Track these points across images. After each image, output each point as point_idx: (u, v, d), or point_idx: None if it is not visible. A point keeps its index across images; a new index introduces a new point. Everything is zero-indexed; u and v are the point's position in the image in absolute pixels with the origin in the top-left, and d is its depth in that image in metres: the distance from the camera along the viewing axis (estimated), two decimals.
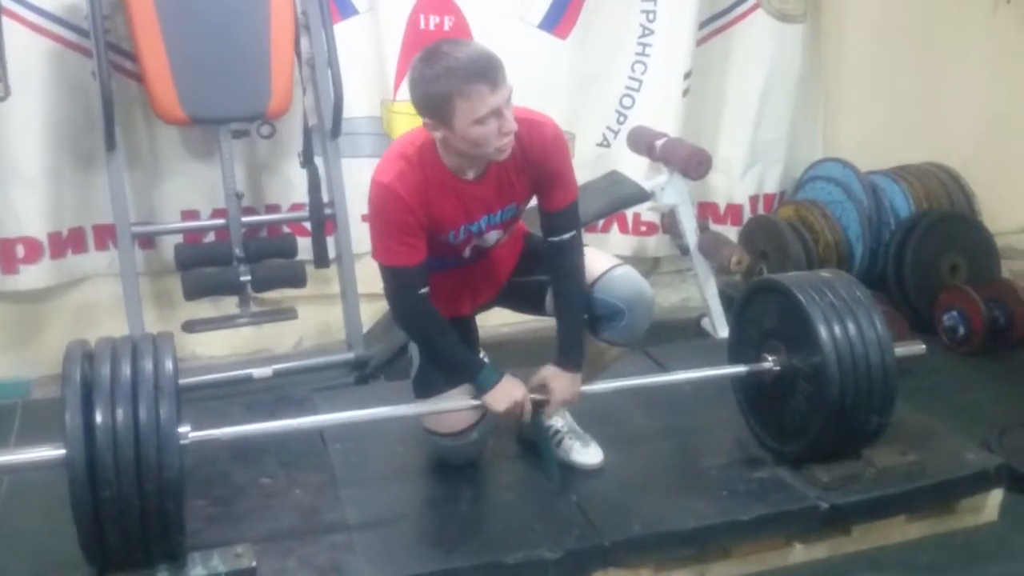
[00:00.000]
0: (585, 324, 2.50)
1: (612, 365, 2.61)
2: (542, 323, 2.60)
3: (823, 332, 2.44)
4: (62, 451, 1.95)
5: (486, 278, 2.58)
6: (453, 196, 2.29)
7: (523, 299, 2.61)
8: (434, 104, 2.12)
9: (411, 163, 2.24)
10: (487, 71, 2.08)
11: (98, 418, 1.95)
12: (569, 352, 2.45)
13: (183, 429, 2.07)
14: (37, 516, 2.40)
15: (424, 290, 2.32)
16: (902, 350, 2.57)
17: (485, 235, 2.41)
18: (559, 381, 2.42)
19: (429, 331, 2.40)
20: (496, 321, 3.26)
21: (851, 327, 2.47)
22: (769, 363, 2.60)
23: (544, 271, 2.51)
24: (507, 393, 2.40)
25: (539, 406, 2.44)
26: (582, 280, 2.47)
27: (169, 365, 2.07)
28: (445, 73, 2.08)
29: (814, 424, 2.49)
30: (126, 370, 2.02)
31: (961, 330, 3.80)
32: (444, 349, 2.41)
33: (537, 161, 2.32)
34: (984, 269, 4.12)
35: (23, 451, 2.06)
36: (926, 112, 4.45)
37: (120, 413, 1.96)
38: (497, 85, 2.09)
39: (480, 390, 2.41)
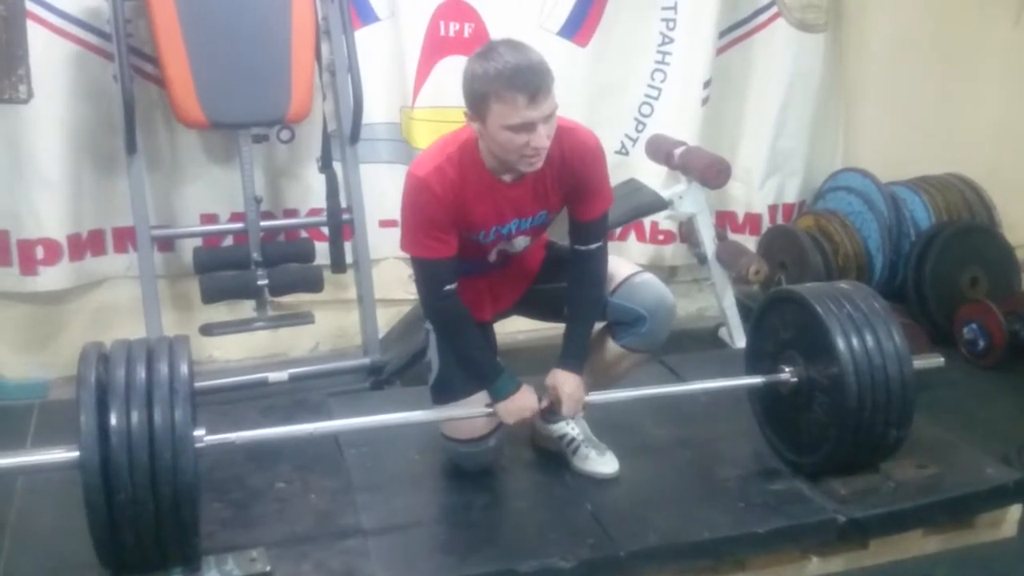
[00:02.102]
0: (591, 332, 2.51)
1: (630, 373, 2.61)
2: (558, 330, 2.59)
3: (841, 344, 2.43)
4: (76, 453, 1.95)
5: (508, 284, 2.59)
6: (488, 196, 2.30)
7: (543, 307, 2.62)
8: (474, 98, 2.16)
9: (451, 159, 2.25)
10: (529, 83, 2.09)
11: (113, 421, 1.95)
12: (576, 354, 2.47)
13: (198, 432, 2.07)
14: (51, 517, 2.41)
15: (451, 286, 2.33)
16: (920, 363, 2.55)
17: (514, 239, 2.43)
18: (570, 384, 2.43)
19: (453, 327, 2.41)
20: (512, 328, 3.25)
21: (869, 339, 2.45)
22: (786, 374, 2.59)
23: (565, 279, 2.52)
24: (519, 407, 2.41)
25: (551, 411, 2.45)
26: (601, 290, 2.48)
27: (184, 368, 2.07)
28: (491, 73, 2.10)
29: (831, 436, 2.47)
30: (141, 373, 2.02)
31: (981, 343, 3.77)
32: (466, 348, 2.42)
33: (575, 170, 2.33)
34: (1005, 282, 4.09)
35: (38, 452, 2.07)
36: (947, 123, 4.43)
37: (135, 416, 1.96)
38: (536, 99, 2.10)
39: (494, 397, 2.41)
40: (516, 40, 2.20)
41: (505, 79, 2.09)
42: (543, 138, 2.15)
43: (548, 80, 2.13)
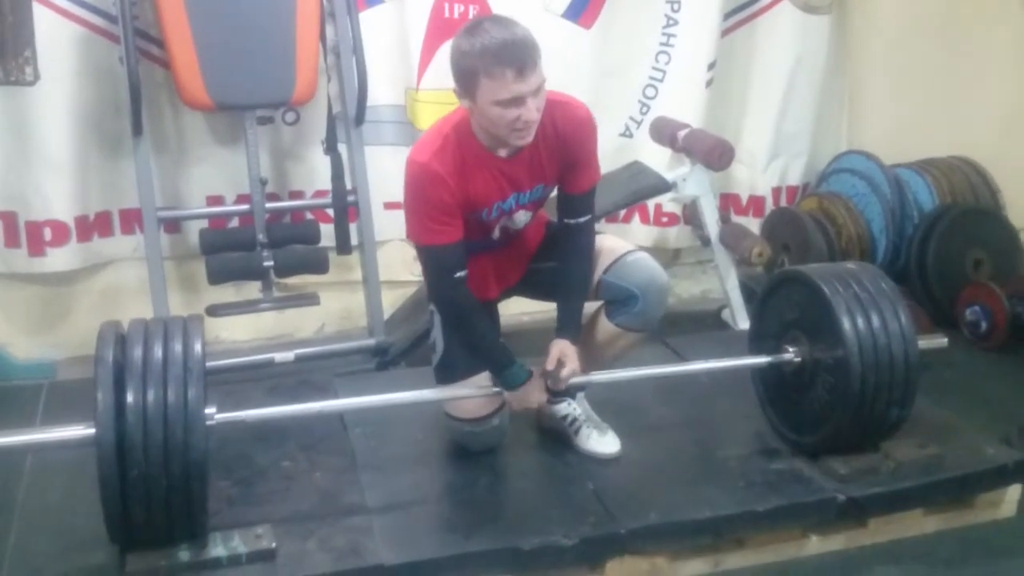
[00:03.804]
0: (583, 304, 2.52)
1: (628, 351, 2.62)
2: None
3: (846, 323, 2.44)
4: (92, 430, 1.98)
5: (512, 261, 2.60)
6: (487, 173, 2.31)
7: (543, 286, 2.63)
8: (463, 75, 2.17)
9: (448, 141, 2.27)
10: (516, 57, 2.10)
11: (129, 398, 1.98)
12: (572, 326, 2.48)
13: (209, 410, 2.09)
14: (60, 494, 2.44)
15: (461, 273, 2.34)
16: (924, 343, 2.56)
17: (515, 215, 2.44)
18: (571, 351, 2.44)
19: (464, 315, 2.42)
20: (516, 310, 3.27)
21: (875, 319, 2.46)
22: (790, 354, 2.60)
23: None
24: (526, 399, 2.43)
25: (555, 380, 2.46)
26: (590, 262, 2.50)
27: (199, 348, 2.09)
28: (478, 49, 2.11)
29: (834, 415, 2.48)
30: (157, 352, 2.05)
31: (983, 325, 3.78)
32: (476, 335, 2.43)
33: (569, 142, 2.35)
34: (1008, 264, 4.09)
35: (54, 429, 2.09)
36: (951, 106, 4.41)
37: (151, 394, 1.99)
38: (524, 73, 2.11)
39: (505, 386, 2.43)
40: (502, 16, 2.21)
41: (492, 54, 2.10)
42: (533, 111, 2.17)
43: (535, 54, 2.14)
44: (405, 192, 2.31)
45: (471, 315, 2.41)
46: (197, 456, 2.01)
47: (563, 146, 2.35)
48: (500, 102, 2.14)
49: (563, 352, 2.43)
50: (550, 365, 2.42)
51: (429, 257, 2.38)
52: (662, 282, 2.53)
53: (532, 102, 2.15)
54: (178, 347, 2.06)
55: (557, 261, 2.52)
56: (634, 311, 2.50)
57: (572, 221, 2.46)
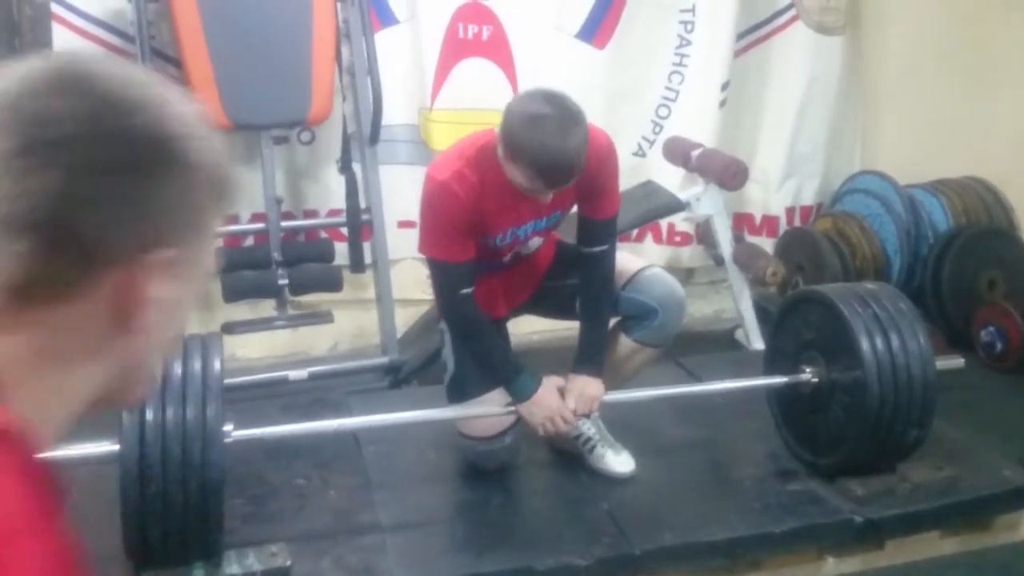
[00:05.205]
0: (606, 334, 2.52)
1: (642, 369, 2.62)
2: (572, 330, 2.61)
3: (864, 344, 2.44)
4: (116, 447, 1.98)
5: (522, 281, 2.61)
6: (507, 198, 2.31)
7: (554, 304, 2.64)
8: (508, 144, 2.17)
9: (469, 163, 2.28)
10: (556, 181, 2.16)
11: (148, 415, 1.99)
12: (590, 357, 2.47)
13: (227, 428, 2.10)
14: (70, 511, 2.43)
15: (468, 290, 2.35)
16: (941, 364, 2.55)
17: (529, 241, 2.45)
18: (575, 382, 2.44)
19: (470, 329, 2.43)
20: (527, 329, 3.27)
21: (893, 339, 2.46)
22: (807, 374, 2.59)
23: (575, 276, 2.54)
24: (544, 406, 2.41)
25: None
26: (610, 293, 2.51)
27: (217, 365, 2.11)
28: (529, 151, 2.12)
29: (851, 436, 2.48)
30: (177, 369, 2.06)
31: (999, 346, 3.75)
32: (483, 349, 2.44)
33: (591, 168, 2.33)
34: (1022, 284, 4.07)
35: (75, 446, 2.07)
36: (965, 126, 4.40)
37: (170, 411, 2.00)
38: (554, 189, 2.19)
39: (515, 397, 2.42)
40: (567, 116, 2.15)
41: (537, 168, 2.13)
42: (548, 197, 2.23)
43: (575, 175, 2.17)
44: (421, 206, 2.32)
45: (478, 328, 2.43)
46: (215, 473, 2.02)
47: (585, 174, 2.33)
48: (525, 188, 2.20)
49: (575, 384, 2.43)
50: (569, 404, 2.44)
51: (439, 272, 2.39)
52: (680, 295, 2.54)
53: (550, 195, 2.22)
54: (197, 365, 2.08)
55: (579, 292, 2.52)
56: (653, 325, 2.51)
57: (591, 250, 2.46)
